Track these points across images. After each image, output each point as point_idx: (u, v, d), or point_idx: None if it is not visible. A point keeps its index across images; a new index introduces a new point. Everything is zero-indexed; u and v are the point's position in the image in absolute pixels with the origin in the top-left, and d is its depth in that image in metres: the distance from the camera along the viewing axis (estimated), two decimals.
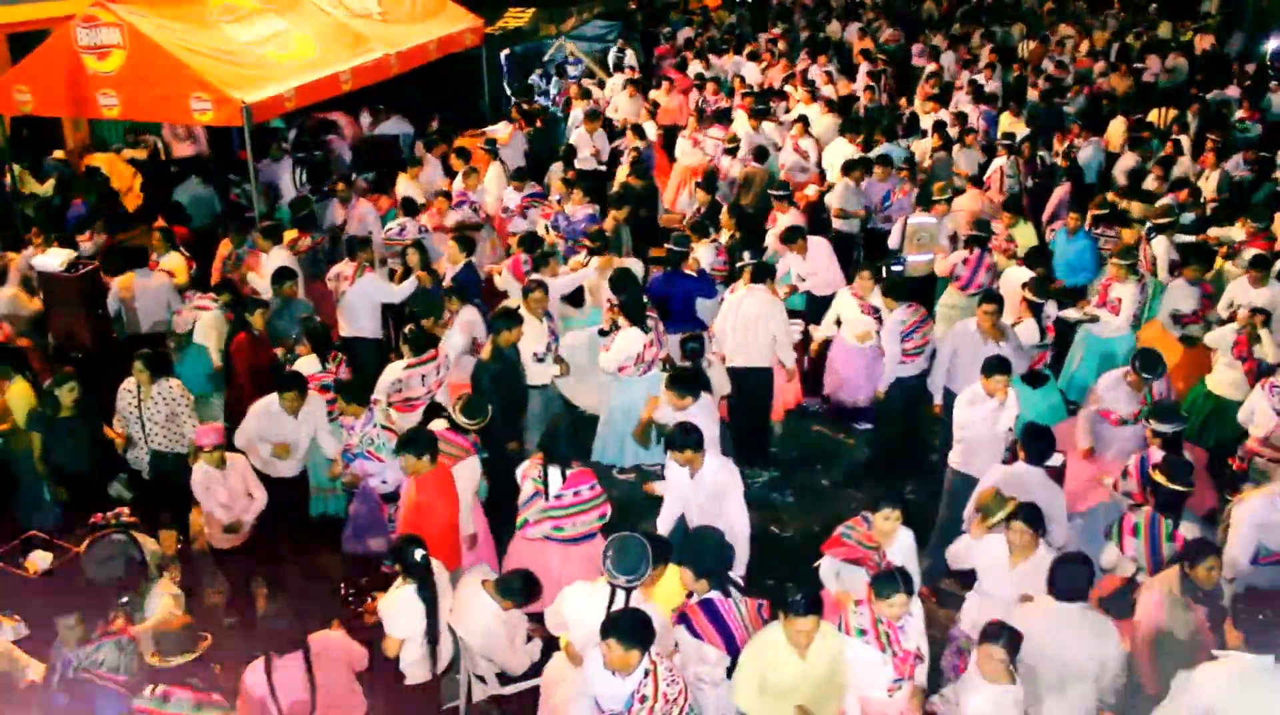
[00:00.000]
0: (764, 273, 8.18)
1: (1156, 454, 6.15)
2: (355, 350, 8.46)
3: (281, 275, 8.37)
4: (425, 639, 5.25)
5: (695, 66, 17.11)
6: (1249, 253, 8.88)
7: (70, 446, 7.07)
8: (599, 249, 9.03)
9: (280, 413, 6.82)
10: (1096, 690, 4.93)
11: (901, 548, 5.40)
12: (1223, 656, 4.56)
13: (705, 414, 6.58)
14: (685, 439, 5.87)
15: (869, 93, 15.48)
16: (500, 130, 13.17)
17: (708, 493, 5.84)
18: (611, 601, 4.95)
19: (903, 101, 15.43)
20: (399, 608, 5.20)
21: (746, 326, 7.92)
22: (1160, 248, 9.39)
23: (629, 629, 4.40)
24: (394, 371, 7.41)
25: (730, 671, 4.90)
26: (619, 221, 10.21)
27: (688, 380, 6.62)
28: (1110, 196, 10.69)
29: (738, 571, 5.60)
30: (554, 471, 6.03)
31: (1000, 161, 11.87)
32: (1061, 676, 4.88)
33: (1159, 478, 5.70)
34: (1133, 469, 6.27)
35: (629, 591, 4.94)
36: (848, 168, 11.09)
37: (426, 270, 8.82)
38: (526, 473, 6.12)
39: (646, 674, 4.42)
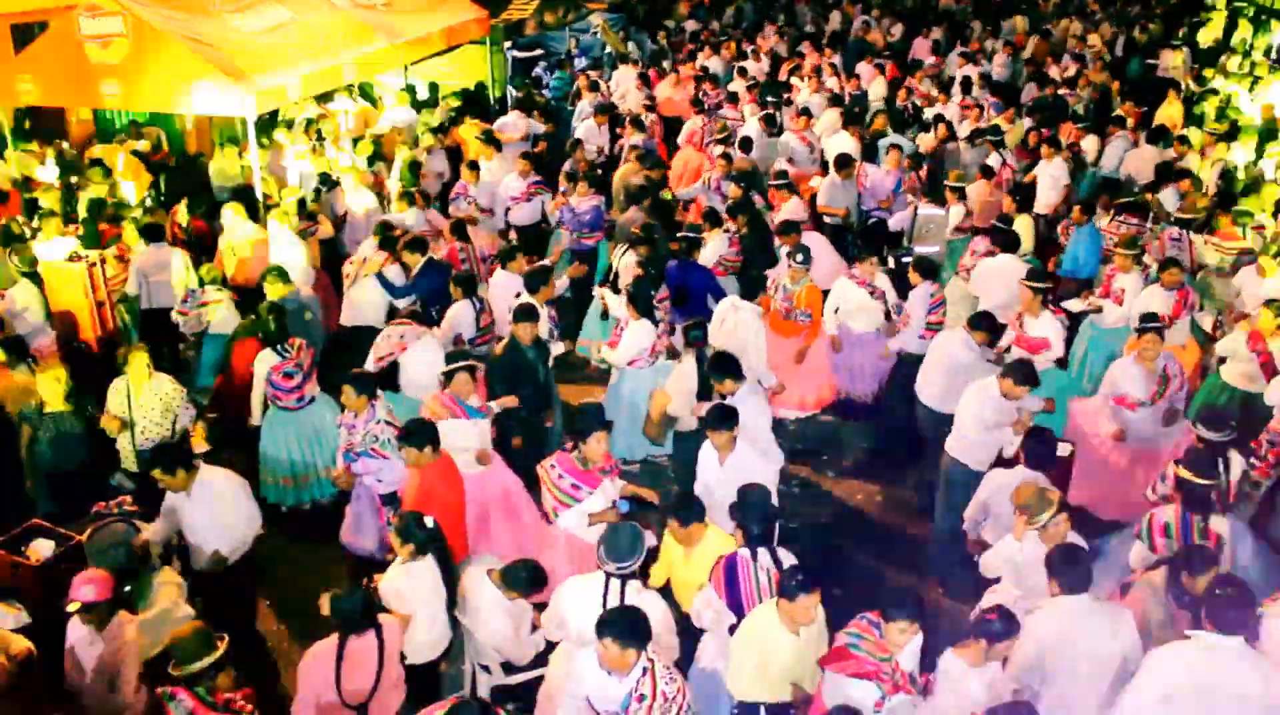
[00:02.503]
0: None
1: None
2: (360, 338, 8.42)
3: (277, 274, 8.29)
4: (445, 611, 5.22)
5: (701, 59, 17.07)
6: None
7: (59, 443, 6.89)
8: (643, 239, 8.93)
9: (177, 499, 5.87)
10: (1118, 686, 4.78)
11: (912, 651, 4.77)
12: (1194, 635, 4.48)
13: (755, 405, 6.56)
14: (725, 421, 5.85)
15: (855, 80, 15.45)
16: (510, 122, 13.12)
17: (735, 481, 5.78)
18: (606, 590, 4.91)
19: (901, 94, 15.38)
20: (412, 583, 5.12)
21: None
22: (1198, 243, 9.37)
23: (625, 626, 4.30)
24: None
25: (733, 630, 4.92)
26: (645, 213, 10.17)
27: (727, 363, 6.51)
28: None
29: None
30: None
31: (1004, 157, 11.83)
32: (1090, 674, 4.75)
33: (1184, 473, 5.65)
34: (1171, 473, 6.09)
35: (623, 580, 4.90)
36: (839, 164, 10.97)
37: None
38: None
39: (645, 672, 4.33)
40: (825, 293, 8.92)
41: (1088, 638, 4.73)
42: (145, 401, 7.00)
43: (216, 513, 5.81)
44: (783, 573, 4.75)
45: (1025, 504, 5.36)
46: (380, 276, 8.54)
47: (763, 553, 5.10)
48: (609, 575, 4.92)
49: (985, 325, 7.23)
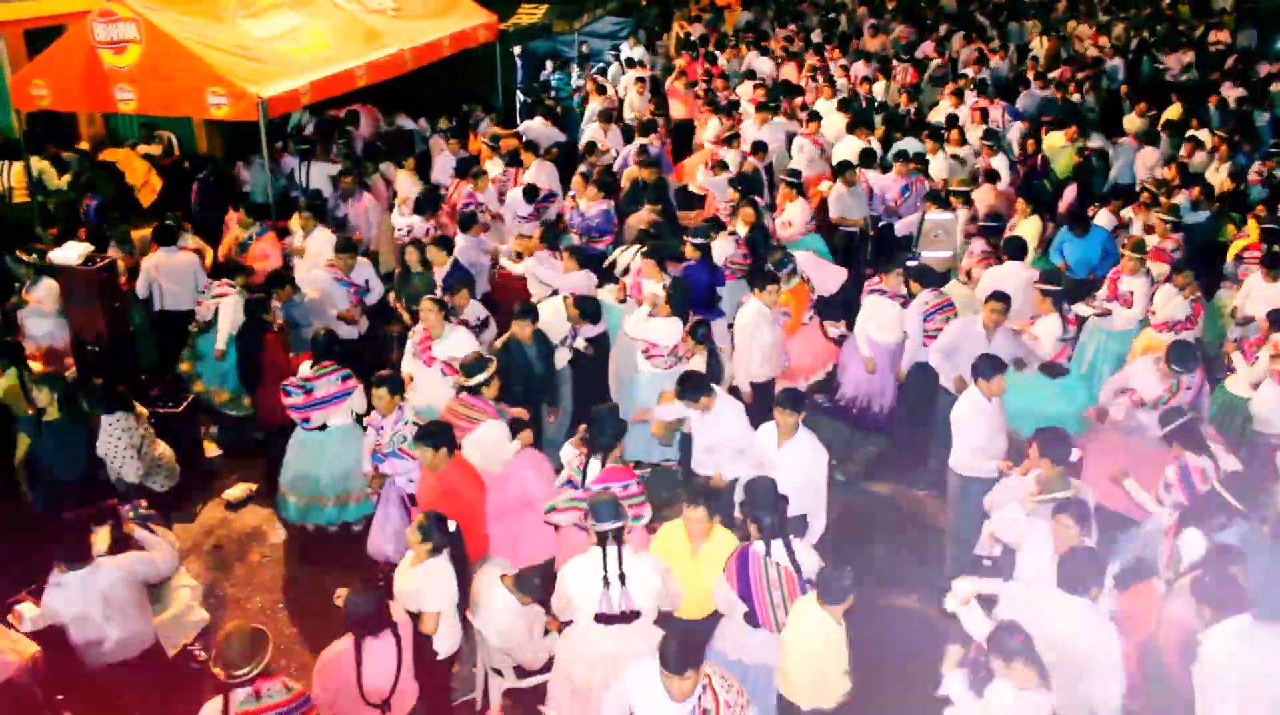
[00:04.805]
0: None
1: (1194, 461, 6.05)
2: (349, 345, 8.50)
3: (279, 279, 8.36)
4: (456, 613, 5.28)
5: (747, 57, 17.21)
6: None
7: (57, 452, 6.66)
8: (643, 239, 9.03)
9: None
10: (1086, 694, 4.77)
11: None
12: (1235, 627, 4.57)
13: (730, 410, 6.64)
14: (795, 405, 6.13)
15: (865, 85, 15.49)
16: (535, 128, 13.17)
17: (788, 468, 5.86)
18: (605, 559, 5.02)
19: (904, 99, 15.38)
20: (434, 580, 5.14)
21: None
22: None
23: (684, 654, 4.21)
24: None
25: (749, 617, 5.10)
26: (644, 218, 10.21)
27: (696, 383, 6.56)
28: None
29: (810, 541, 5.80)
30: (594, 462, 6.03)
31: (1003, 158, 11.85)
32: (1051, 665, 4.74)
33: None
34: (1174, 480, 6.06)
35: (618, 546, 5.03)
36: (839, 171, 10.94)
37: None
38: (569, 459, 6.17)
39: (704, 688, 4.31)
40: (821, 298, 8.97)
41: (1053, 624, 4.72)
42: (102, 444, 6.72)
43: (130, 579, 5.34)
44: (821, 576, 4.82)
45: (1045, 479, 5.52)
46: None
47: (776, 546, 5.16)
48: (604, 544, 5.04)
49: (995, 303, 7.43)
